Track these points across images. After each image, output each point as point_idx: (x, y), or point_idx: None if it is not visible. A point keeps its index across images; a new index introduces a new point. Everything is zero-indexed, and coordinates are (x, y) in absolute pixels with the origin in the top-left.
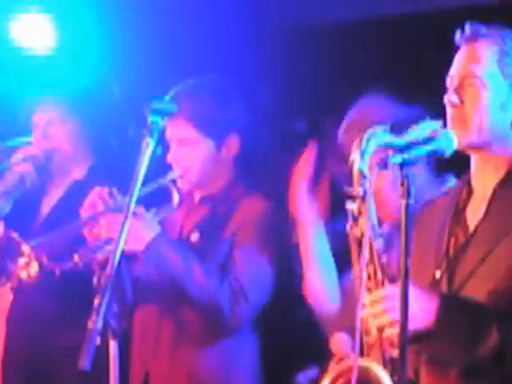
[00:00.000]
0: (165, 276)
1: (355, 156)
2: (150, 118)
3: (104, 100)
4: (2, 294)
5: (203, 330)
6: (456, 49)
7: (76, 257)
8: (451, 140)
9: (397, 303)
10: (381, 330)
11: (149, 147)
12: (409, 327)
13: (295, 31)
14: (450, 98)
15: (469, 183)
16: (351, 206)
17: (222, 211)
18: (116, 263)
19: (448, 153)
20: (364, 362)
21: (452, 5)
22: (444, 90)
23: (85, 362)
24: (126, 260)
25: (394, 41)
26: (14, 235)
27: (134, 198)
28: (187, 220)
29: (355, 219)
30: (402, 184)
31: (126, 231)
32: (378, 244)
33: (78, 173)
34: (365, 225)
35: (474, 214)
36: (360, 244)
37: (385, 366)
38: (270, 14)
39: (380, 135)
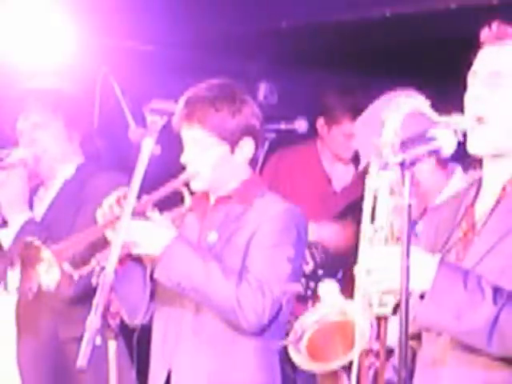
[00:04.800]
0: (184, 278)
1: (389, 115)
2: (150, 118)
3: (85, 102)
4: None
5: (224, 330)
6: (477, 45)
7: (93, 261)
8: (451, 140)
9: (391, 264)
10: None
11: (148, 147)
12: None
13: (296, 31)
14: (474, 92)
15: (479, 182)
16: (382, 158)
17: (239, 211)
18: (115, 263)
19: (448, 152)
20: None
21: (452, 5)
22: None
23: (83, 362)
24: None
25: (395, 41)
26: (34, 240)
27: (134, 197)
28: (204, 222)
29: (383, 168)
30: (403, 184)
31: (142, 235)
32: (394, 200)
33: (68, 172)
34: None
35: (482, 208)
36: (375, 198)
37: (371, 324)
38: (271, 15)
39: (420, 101)
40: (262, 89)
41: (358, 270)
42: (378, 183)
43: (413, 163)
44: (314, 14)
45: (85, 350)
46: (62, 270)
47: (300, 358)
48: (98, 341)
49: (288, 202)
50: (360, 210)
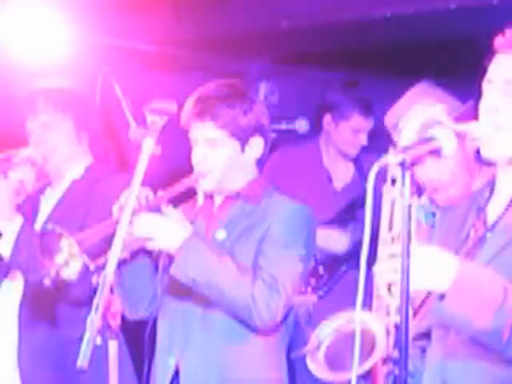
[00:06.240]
0: (200, 274)
1: (406, 121)
2: (150, 118)
3: (95, 102)
4: (13, 289)
5: (234, 327)
6: (489, 52)
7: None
8: (451, 140)
9: (412, 267)
10: (389, 287)
11: (148, 147)
12: (425, 286)
13: (296, 31)
14: (492, 102)
15: (492, 184)
16: (392, 168)
17: (247, 210)
18: (115, 262)
19: (448, 153)
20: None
21: (452, 5)
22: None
23: (83, 362)
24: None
25: (396, 41)
26: (56, 228)
27: (134, 197)
28: (211, 220)
29: (393, 182)
30: (403, 184)
31: (159, 230)
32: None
33: (76, 173)
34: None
35: (495, 210)
36: (393, 206)
37: (388, 332)
38: (271, 15)
39: (437, 109)
40: (263, 89)
41: (378, 277)
42: (396, 192)
43: (413, 163)
44: (315, 14)
45: (85, 349)
46: (83, 260)
47: (318, 367)
48: (98, 341)
49: (297, 201)
50: (359, 208)
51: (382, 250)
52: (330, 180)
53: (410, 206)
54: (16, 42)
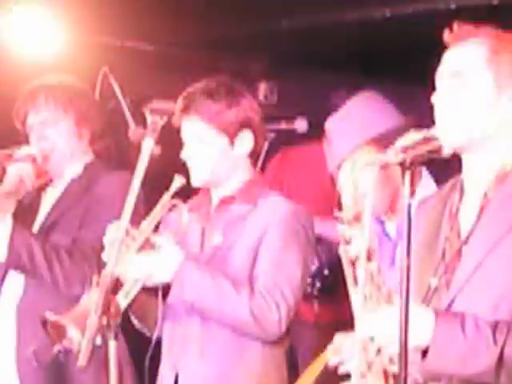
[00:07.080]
0: (197, 300)
1: (343, 180)
2: (150, 118)
3: (96, 99)
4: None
5: (232, 336)
6: (445, 47)
7: None
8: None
9: (393, 323)
10: (379, 350)
11: (148, 147)
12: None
13: (296, 31)
14: (440, 95)
15: (461, 186)
16: (343, 230)
17: (243, 212)
18: (114, 262)
19: (446, 152)
20: None
21: (452, 5)
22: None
23: (83, 362)
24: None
25: (395, 41)
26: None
27: (134, 196)
28: (208, 222)
29: (347, 242)
30: (403, 183)
31: (152, 268)
32: (373, 265)
33: (75, 171)
34: (359, 248)
35: (467, 218)
36: (354, 265)
37: (387, 381)
38: (271, 15)
39: (365, 156)
40: (262, 89)
41: (360, 338)
42: (355, 249)
43: (413, 163)
44: (314, 13)
45: (85, 349)
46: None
47: None
48: (98, 341)
49: (293, 202)
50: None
51: (358, 312)
52: (333, 181)
53: (410, 206)
54: (16, 42)
